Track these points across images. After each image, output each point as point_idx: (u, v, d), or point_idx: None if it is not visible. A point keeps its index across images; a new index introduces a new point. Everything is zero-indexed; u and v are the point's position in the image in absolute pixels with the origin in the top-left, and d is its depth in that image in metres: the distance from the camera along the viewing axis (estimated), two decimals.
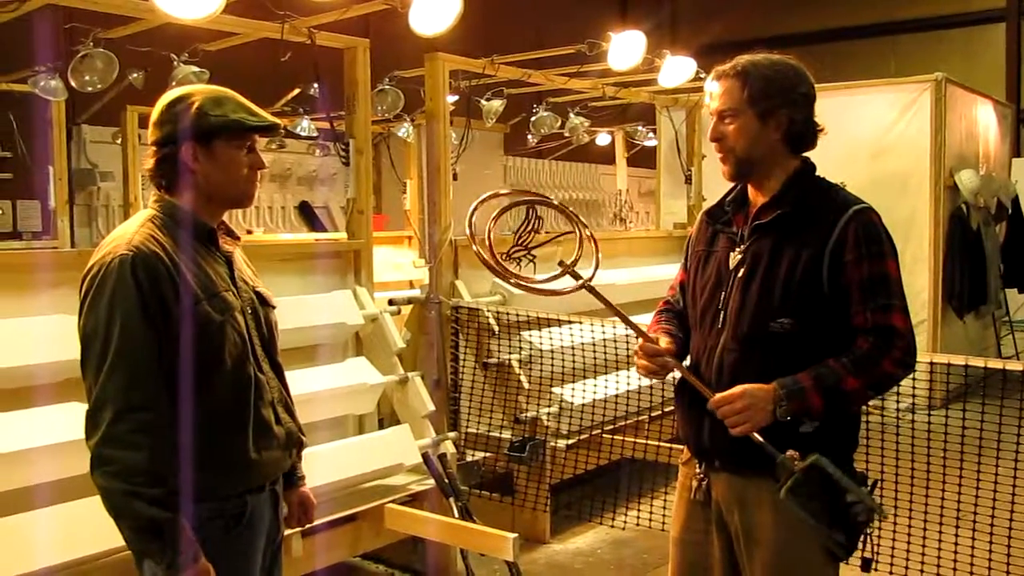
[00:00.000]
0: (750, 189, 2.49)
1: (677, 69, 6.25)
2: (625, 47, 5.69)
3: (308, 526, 2.64)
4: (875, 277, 2.31)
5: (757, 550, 2.37)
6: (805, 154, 2.47)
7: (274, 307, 2.45)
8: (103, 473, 2.03)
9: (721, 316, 2.42)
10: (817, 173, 2.50)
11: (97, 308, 2.08)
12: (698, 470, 2.50)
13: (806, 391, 2.25)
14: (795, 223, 2.36)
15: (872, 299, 2.31)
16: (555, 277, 2.51)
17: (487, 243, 2.46)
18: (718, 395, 2.30)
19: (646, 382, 5.18)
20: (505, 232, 2.68)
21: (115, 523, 2.05)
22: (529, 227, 2.51)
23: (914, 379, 4.33)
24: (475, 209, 2.55)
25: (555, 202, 2.76)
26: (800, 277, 2.32)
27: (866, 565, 2.41)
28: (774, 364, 2.31)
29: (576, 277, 2.52)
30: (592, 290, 2.52)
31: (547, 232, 2.65)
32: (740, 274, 2.40)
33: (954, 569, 3.84)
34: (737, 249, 2.43)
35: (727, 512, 2.42)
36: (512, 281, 2.52)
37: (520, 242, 2.50)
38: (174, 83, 5.38)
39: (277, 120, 2.39)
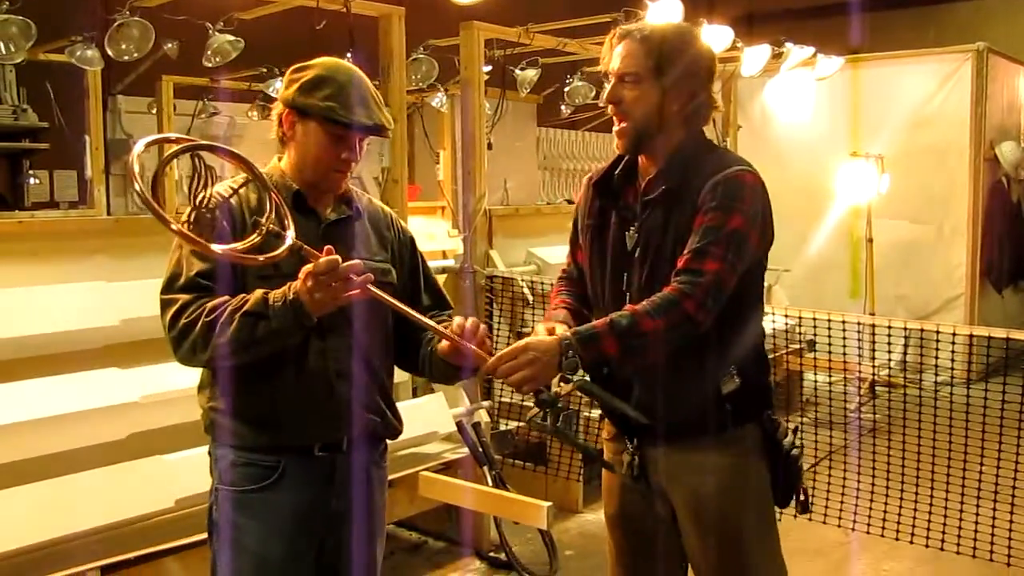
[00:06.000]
0: (641, 160, 2.39)
1: (714, 38, 6.15)
2: (662, 15, 5.62)
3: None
4: (711, 224, 2.19)
5: (706, 520, 2.35)
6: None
7: (383, 283, 2.35)
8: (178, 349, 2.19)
9: (627, 298, 2.32)
10: (707, 138, 2.41)
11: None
12: (629, 446, 2.42)
13: (600, 336, 2.12)
14: (680, 195, 2.27)
15: (697, 242, 2.19)
16: (255, 243, 2.09)
17: (152, 201, 1.95)
18: (494, 356, 2.13)
19: None
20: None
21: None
22: (201, 182, 2.06)
23: (953, 352, 4.31)
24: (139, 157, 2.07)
25: (221, 146, 2.25)
26: (682, 249, 2.23)
27: (803, 508, 2.44)
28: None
29: (278, 237, 2.11)
30: (302, 249, 2.09)
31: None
32: (637, 254, 2.32)
33: (991, 543, 3.81)
34: (632, 228, 2.35)
35: (668, 485, 2.38)
36: (200, 249, 2.06)
37: (199, 204, 2.04)
38: (209, 52, 5.39)
39: (382, 121, 2.32)
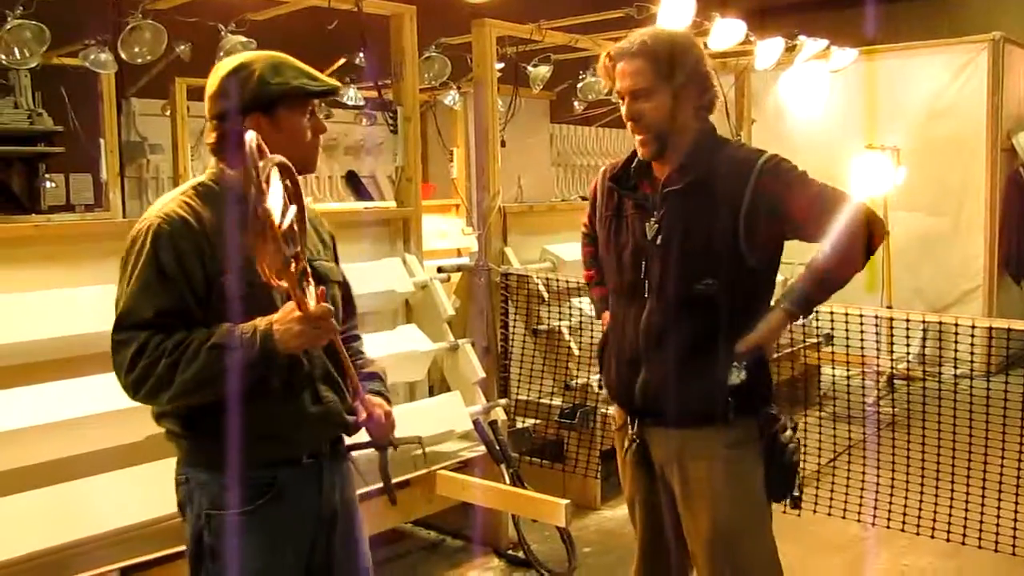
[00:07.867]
0: None
1: (727, 32, 6.13)
2: (675, 10, 5.59)
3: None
4: (812, 194, 2.38)
5: (698, 504, 2.45)
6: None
7: (336, 282, 2.41)
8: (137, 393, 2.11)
9: (645, 285, 2.45)
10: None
11: (122, 278, 2.15)
12: (631, 431, 2.57)
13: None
14: (706, 186, 2.40)
15: (817, 215, 2.35)
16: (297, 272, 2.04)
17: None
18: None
19: None
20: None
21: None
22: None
23: (972, 344, 4.28)
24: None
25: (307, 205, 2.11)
26: (718, 238, 2.37)
27: (794, 503, 2.52)
28: (700, 324, 2.40)
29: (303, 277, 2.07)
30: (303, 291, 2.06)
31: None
32: (659, 242, 2.43)
33: (1013, 537, 3.78)
34: (652, 218, 2.45)
35: (667, 469, 2.50)
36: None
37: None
38: (222, 53, 5.39)
39: (336, 83, 2.34)
